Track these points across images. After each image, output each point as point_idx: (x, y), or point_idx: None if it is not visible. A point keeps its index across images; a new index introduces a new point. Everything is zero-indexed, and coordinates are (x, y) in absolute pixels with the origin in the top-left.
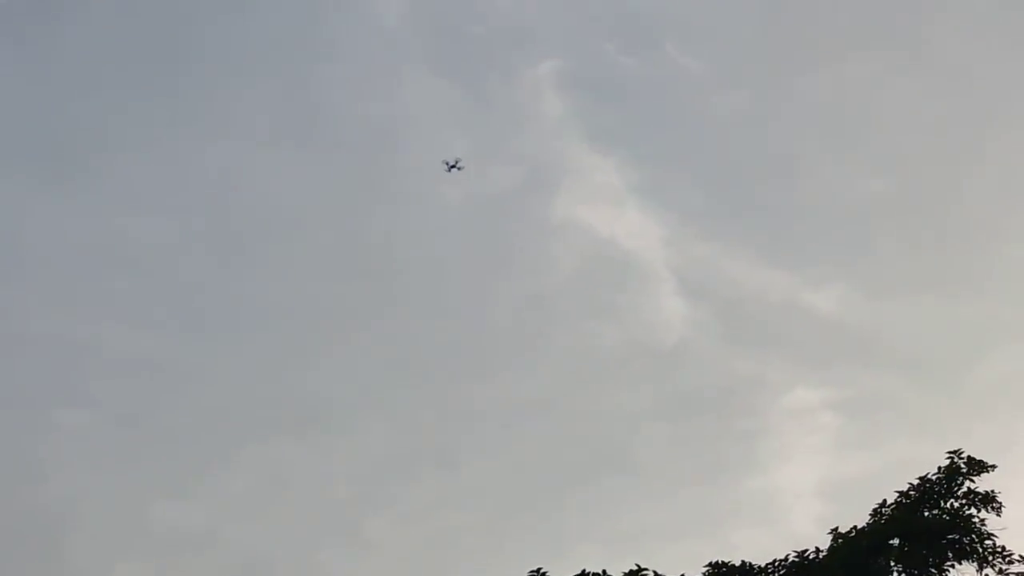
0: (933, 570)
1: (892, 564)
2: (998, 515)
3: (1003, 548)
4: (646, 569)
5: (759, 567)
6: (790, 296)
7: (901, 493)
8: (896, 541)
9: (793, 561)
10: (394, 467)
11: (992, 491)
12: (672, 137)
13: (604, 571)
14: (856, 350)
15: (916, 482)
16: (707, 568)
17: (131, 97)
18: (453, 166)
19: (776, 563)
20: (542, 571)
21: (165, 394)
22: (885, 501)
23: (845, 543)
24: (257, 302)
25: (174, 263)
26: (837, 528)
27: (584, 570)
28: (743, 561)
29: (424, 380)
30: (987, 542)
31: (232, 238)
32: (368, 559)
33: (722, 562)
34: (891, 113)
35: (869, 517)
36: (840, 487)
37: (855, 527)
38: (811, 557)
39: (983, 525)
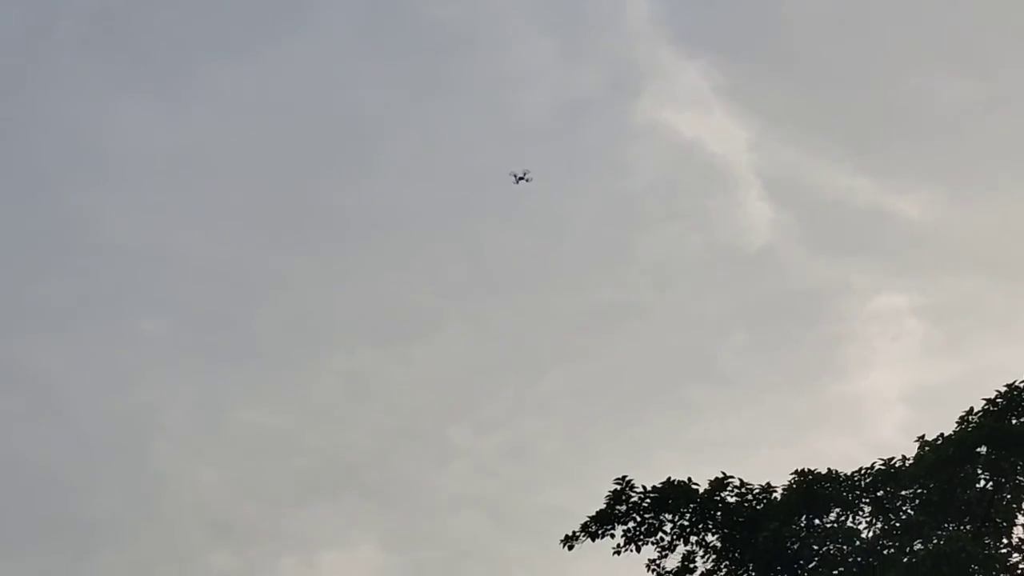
0: (1021, 478)
1: (980, 472)
2: None
3: None
4: (731, 477)
5: (845, 475)
6: (876, 200)
7: (988, 401)
8: (983, 449)
9: (879, 469)
10: (476, 375)
11: None
12: (759, 40)
13: (689, 479)
14: (943, 255)
15: (1003, 389)
16: (793, 476)
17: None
18: (521, 178)
19: (862, 471)
20: (627, 479)
21: (248, 302)
22: (972, 409)
23: (932, 451)
24: (339, 210)
25: (257, 171)
26: (923, 436)
27: (669, 478)
28: (829, 469)
29: (506, 287)
30: None
31: (315, 146)
32: (450, 466)
33: (808, 470)
34: (983, 17)
35: (956, 425)
36: (926, 394)
37: (941, 435)
38: (897, 465)
39: None
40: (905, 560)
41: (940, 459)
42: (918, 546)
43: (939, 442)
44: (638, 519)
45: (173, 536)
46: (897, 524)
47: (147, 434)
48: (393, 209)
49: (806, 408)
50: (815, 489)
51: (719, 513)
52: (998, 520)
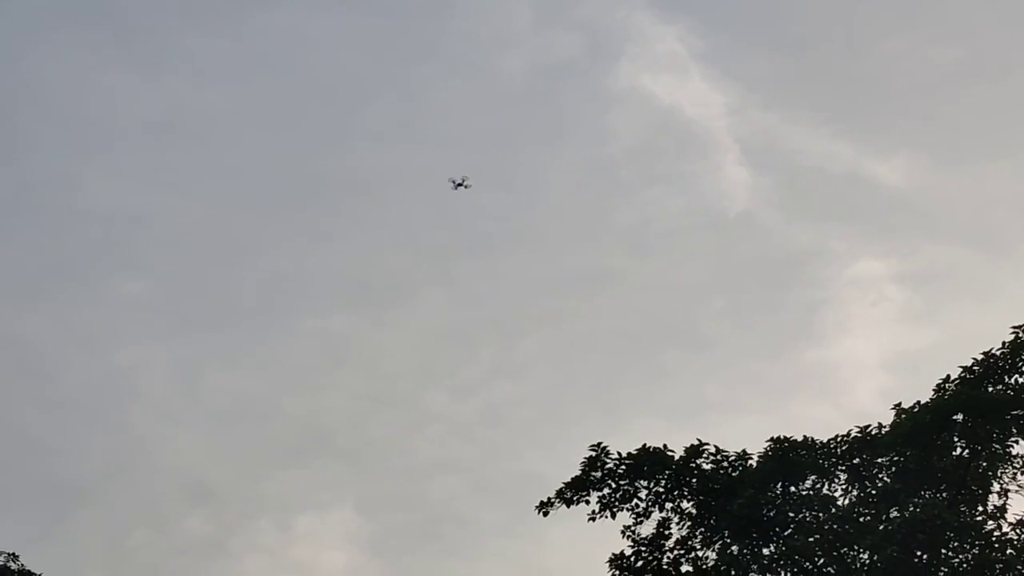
0: (996, 445)
1: (956, 439)
2: None
3: None
4: (706, 444)
5: (821, 442)
6: (855, 166)
7: (965, 368)
8: (960, 416)
9: (856, 436)
10: (452, 340)
11: None
12: (737, 5)
13: (665, 446)
14: (921, 221)
15: (980, 357)
16: (769, 443)
17: None
18: (460, 184)
19: (839, 438)
20: (603, 445)
21: (225, 267)
22: (949, 376)
23: (908, 418)
24: (317, 175)
25: (235, 137)
26: (900, 403)
27: (644, 444)
28: (805, 436)
29: (482, 252)
30: None
31: (293, 111)
32: (425, 431)
33: (784, 437)
34: None
35: (933, 392)
36: (904, 360)
37: (918, 402)
38: (873, 432)
39: None
40: (881, 527)
41: (916, 427)
42: (894, 513)
43: (915, 410)
44: (613, 486)
45: (150, 499)
46: (873, 491)
47: (125, 397)
48: (370, 174)
49: (783, 374)
50: (791, 456)
51: (694, 480)
52: (974, 488)
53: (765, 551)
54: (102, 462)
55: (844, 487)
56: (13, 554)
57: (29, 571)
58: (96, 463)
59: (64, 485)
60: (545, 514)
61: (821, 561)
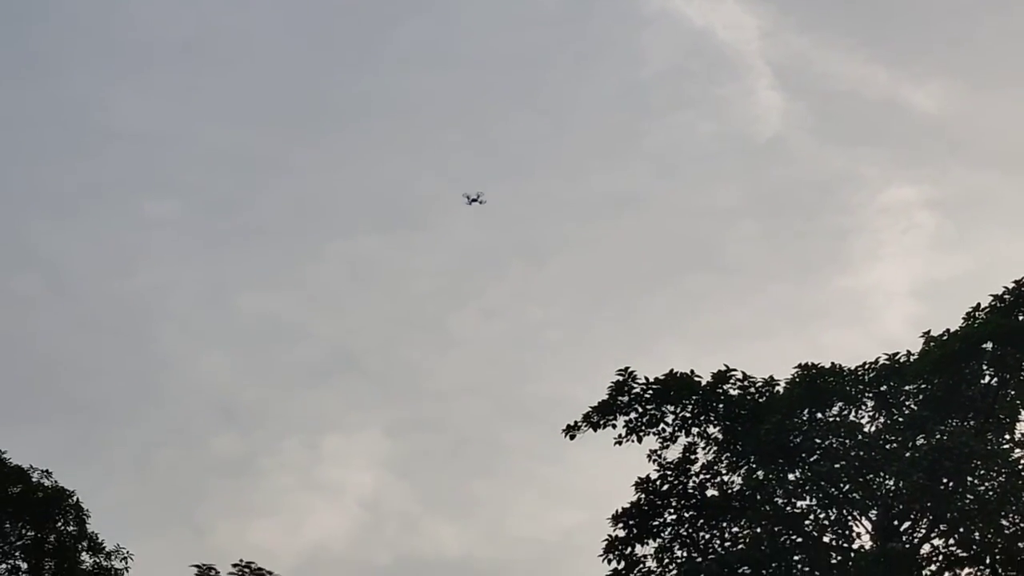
0: None
1: (984, 368)
2: None
3: None
4: (734, 370)
5: (849, 369)
6: (889, 91)
7: (995, 297)
8: (989, 345)
9: (884, 364)
10: (479, 262)
11: None
12: None
13: (692, 371)
14: (956, 147)
15: (1011, 285)
16: (796, 369)
17: None
18: (474, 200)
19: (866, 365)
20: (630, 370)
21: (253, 188)
22: (979, 304)
23: (937, 346)
24: (346, 96)
25: (264, 57)
26: (929, 331)
27: (672, 370)
28: (833, 363)
29: (511, 175)
30: None
31: (322, 32)
32: (452, 353)
33: (811, 364)
34: None
35: (962, 320)
36: (934, 288)
37: (947, 330)
38: (902, 360)
39: None
40: (907, 454)
41: (945, 355)
42: (920, 441)
43: (945, 338)
44: (640, 410)
45: (179, 418)
46: (900, 419)
47: (152, 317)
48: (400, 95)
49: (812, 301)
50: (818, 383)
51: (721, 405)
52: (1001, 416)
53: (791, 476)
54: (131, 381)
55: (871, 414)
56: (46, 471)
57: (62, 488)
58: (126, 382)
59: (94, 404)
60: (572, 437)
61: (847, 487)
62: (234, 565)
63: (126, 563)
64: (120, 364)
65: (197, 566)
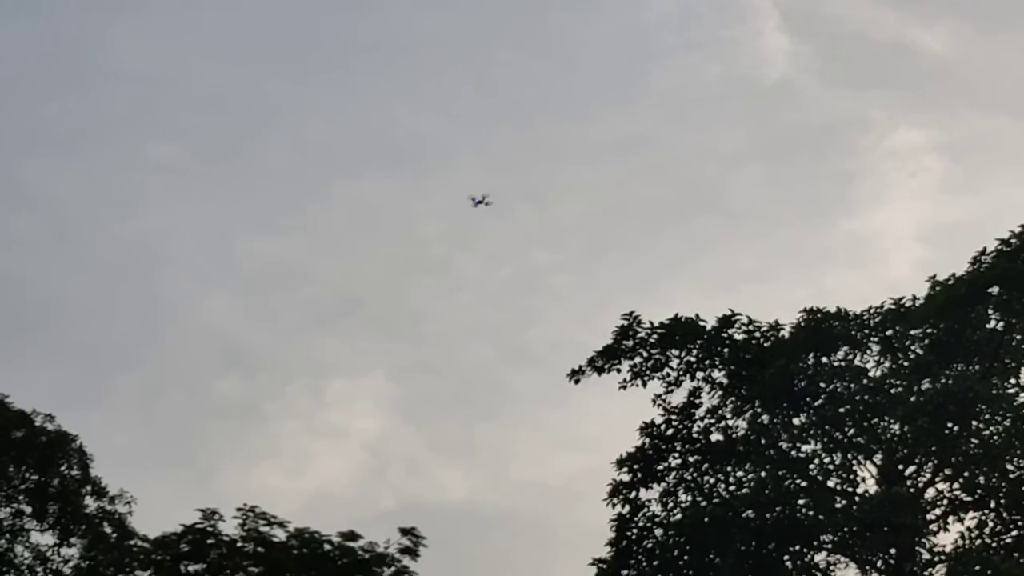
0: None
1: (990, 312)
2: None
3: None
4: (739, 314)
5: (854, 314)
6: (897, 33)
7: (1002, 241)
8: (995, 289)
9: (889, 308)
10: (484, 206)
11: None
12: None
13: (697, 315)
14: (965, 91)
15: (1018, 230)
16: (801, 314)
17: None
18: (480, 202)
19: (872, 310)
20: (635, 314)
21: (256, 130)
22: (985, 249)
23: (943, 291)
24: (349, 37)
25: None
26: (935, 276)
27: (677, 314)
28: (838, 307)
29: (516, 117)
30: None
31: None
32: (457, 297)
33: (816, 308)
34: None
35: (968, 265)
36: (941, 232)
37: (953, 275)
38: (907, 304)
39: None
40: (912, 399)
41: (951, 299)
42: (926, 385)
43: (950, 282)
44: (645, 354)
45: (181, 362)
46: (905, 363)
47: (155, 261)
48: (404, 36)
49: (818, 245)
50: (823, 327)
51: (726, 350)
52: (1007, 360)
53: (796, 421)
54: (134, 325)
55: (876, 358)
56: (49, 415)
57: (65, 432)
58: (128, 326)
59: (97, 348)
60: (577, 382)
61: (851, 431)
62: (238, 509)
63: (129, 507)
64: (122, 308)
65: (201, 510)
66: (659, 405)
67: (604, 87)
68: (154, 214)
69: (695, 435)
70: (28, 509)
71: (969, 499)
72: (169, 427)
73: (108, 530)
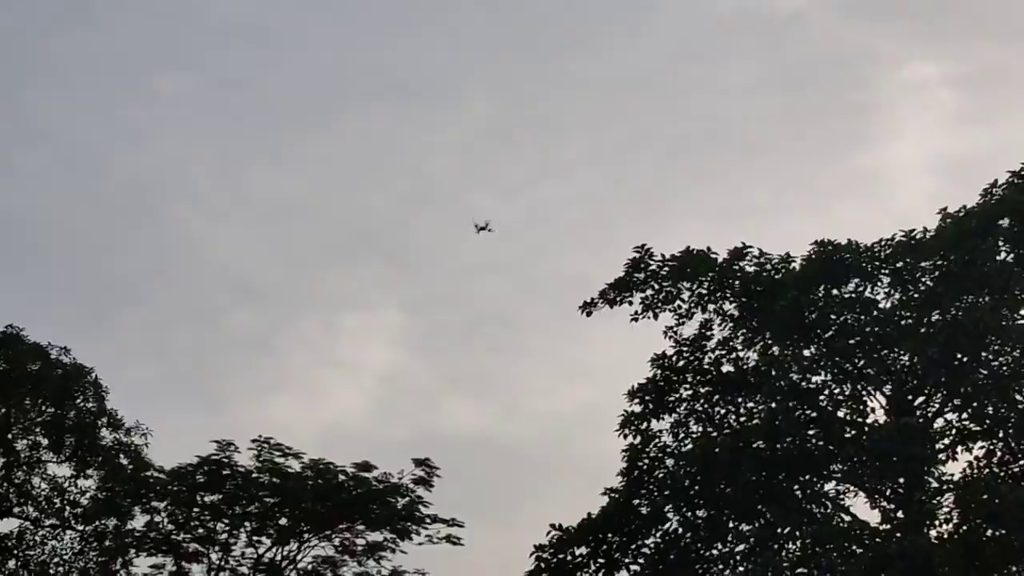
0: None
1: (1001, 244)
2: None
3: None
4: (750, 246)
5: (865, 246)
6: None
7: (1013, 173)
8: (1006, 221)
9: (900, 240)
10: (496, 140)
11: None
12: None
13: (708, 248)
14: (978, 23)
15: None
16: (812, 246)
17: None
18: (483, 228)
19: (883, 242)
20: (647, 247)
21: (268, 61)
22: (996, 181)
23: (953, 223)
24: None
25: None
26: (946, 208)
27: (688, 247)
28: (849, 240)
29: (528, 51)
30: None
31: None
32: (470, 232)
33: (828, 240)
34: None
35: (979, 197)
36: (953, 165)
37: (964, 207)
38: (918, 237)
39: None
40: (922, 330)
41: (961, 231)
42: (936, 317)
43: (961, 214)
44: (656, 287)
45: (196, 296)
46: (915, 295)
47: (165, 195)
48: None
49: (830, 178)
50: (834, 259)
51: (737, 282)
52: (1016, 292)
53: (806, 352)
54: (148, 260)
55: (887, 290)
56: (65, 348)
57: (81, 365)
58: (143, 261)
59: (111, 282)
60: (588, 314)
61: (862, 363)
62: (253, 441)
63: (145, 439)
64: (138, 242)
65: (217, 442)
66: (670, 337)
67: (615, 19)
68: (165, 148)
69: (706, 367)
70: (45, 441)
71: (978, 429)
72: (182, 360)
73: (124, 462)
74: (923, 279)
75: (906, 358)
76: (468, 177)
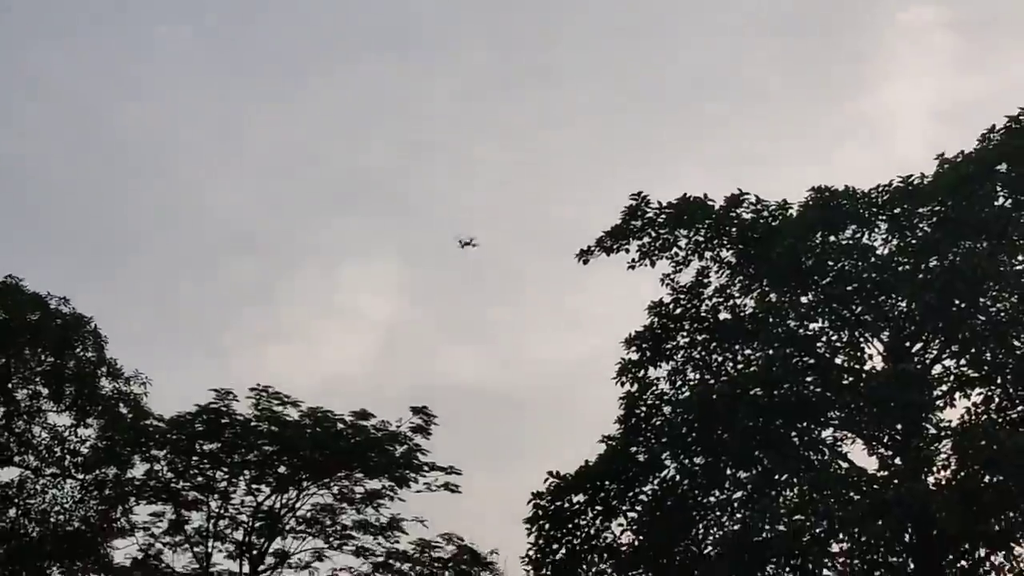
0: None
1: (999, 189)
2: None
3: None
4: (747, 193)
5: (862, 192)
6: None
7: (1011, 118)
8: (1003, 167)
9: (897, 186)
10: (496, 87)
11: None
12: None
13: (705, 195)
14: None
15: None
16: (810, 193)
17: None
18: (467, 243)
19: (880, 188)
20: (644, 195)
21: (266, 10)
22: (994, 126)
23: (951, 168)
24: None
25: None
26: (943, 153)
27: (685, 194)
28: (846, 186)
29: None
30: None
31: None
32: (467, 179)
33: (825, 186)
34: None
35: (977, 142)
36: (952, 110)
37: (962, 152)
38: (915, 182)
39: None
40: (920, 276)
41: (959, 177)
42: (933, 263)
43: (959, 160)
44: (653, 234)
45: (196, 247)
46: (913, 241)
47: (169, 145)
48: None
49: (827, 124)
50: (831, 206)
51: (734, 229)
52: (1015, 237)
53: (803, 299)
54: (148, 210)
55: (884, 236)
56: (64, 298)
57: (80, 314)
58: (142, 211)
59: (110, 232)
60: (585, 262)
61: (859, 309)
62: (252, 390)
63: (145, 388)
64: (137, 192)
65: (215, 390)
66: (667, 285)
67: None
68: (162, 97)
69: (703, 314)
70: (44, 391)
71: (976, 375)
72: (181, 310)
73: (124, 411)
74: (920, 225)
75: (904, 304)
76: (468, 125)
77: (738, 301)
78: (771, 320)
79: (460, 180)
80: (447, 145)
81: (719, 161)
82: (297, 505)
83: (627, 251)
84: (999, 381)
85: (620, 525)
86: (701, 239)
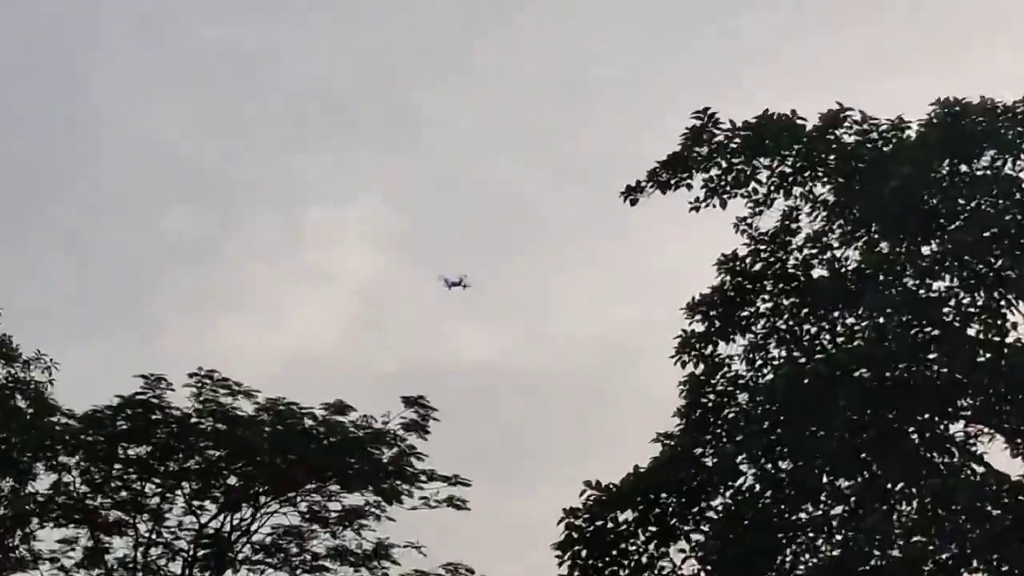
0: None
1: None
2: None
3: None
4: (850, 109)
5: (1005, 105)
6: None
7: None
8: None
9: None
10: None
11: None
12: None
13: (793, 112)
14: None
15: None
16: (933, 107)
17: None
18: (456, 284)
19: None
20: (711, 112)
21: None
22: None
23: None
24: None
25: None
26: None
27: (766, 110)
28: (983, 97)
29: None
30: None
31: None
32: (472, 95)
33: (954, 99)
34: None
35: None
36: None
37: None
38: None
39: None
40: None
41: None
42: None
43: None
44: (724, 165)
45: (118, 187)
46: None
47: (80, 56)
48: None
49: (956, 17)
50: (963, 124)
51: (832, 157)
52: None
53: (925, 250)
54: (57, 139)
55: None
56: None
57: None
58: (49, 141)
59: (10, 172)
60: (633, 202)
61: (1000, 263)
62: (191, 375)
63: (49, 374)
64: (42, 117)
65: (144, 377)
66: (743, 232)
67: None
68: None
69: (791, 271)
70: None
71: None
72: (104, 270)
73: (22, 404)
74: None
75: None
76: (471, 24)
77: (837, 253)
78: (882, 278)
79: (461, 96)
80: (445, 51)
81: (810, 67)
82: (253, 527)
83: (689, 187)
84: None
85: (681, 551)
86: (788, 170)
